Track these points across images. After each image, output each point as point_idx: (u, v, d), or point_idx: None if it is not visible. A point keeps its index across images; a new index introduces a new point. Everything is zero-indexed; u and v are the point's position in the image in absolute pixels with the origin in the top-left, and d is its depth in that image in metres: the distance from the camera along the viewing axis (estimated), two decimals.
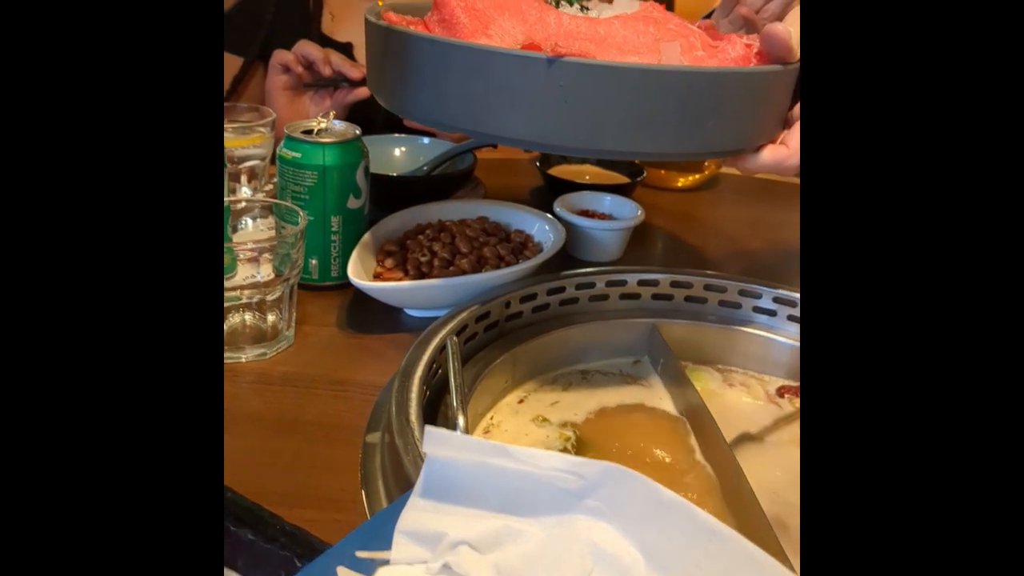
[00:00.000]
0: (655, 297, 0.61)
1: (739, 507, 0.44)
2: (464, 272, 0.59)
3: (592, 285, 0.60)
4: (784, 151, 0.51)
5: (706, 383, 0.57)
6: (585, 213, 0.72)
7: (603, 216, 0.72)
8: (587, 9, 0.51)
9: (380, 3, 0.56)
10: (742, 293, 0.60)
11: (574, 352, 0.59)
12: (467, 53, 0.45)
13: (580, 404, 0.54)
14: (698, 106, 0.45)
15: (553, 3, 0.51)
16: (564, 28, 0.47)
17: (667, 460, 0.49)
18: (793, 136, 0.51)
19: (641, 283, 0.61)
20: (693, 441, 0.51)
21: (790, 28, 0.48)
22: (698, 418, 0.51)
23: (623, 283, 0.60)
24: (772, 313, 0.59)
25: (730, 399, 0.56)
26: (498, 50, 0.44)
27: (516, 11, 0.48)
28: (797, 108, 0.52)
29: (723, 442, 0.47)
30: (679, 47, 0.48)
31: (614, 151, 0.43)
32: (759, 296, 0.59)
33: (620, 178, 0.82)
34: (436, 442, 0.26)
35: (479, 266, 0.61)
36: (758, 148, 0.51)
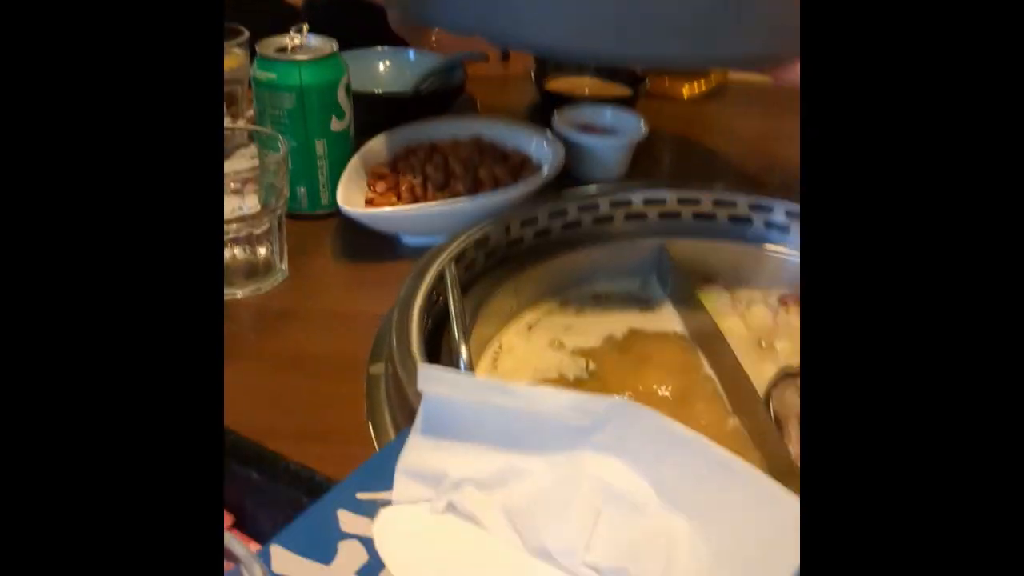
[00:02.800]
0: (662, 216, 0.58)
1: (754, 427, 0.43)
2: (459, 195, 0.57)
3: (596, 206, 0.57)
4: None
5: (714, 304, 0.56)
6: (585, 128, 0.68)
7: (604, 131, 0.69)
8: None
9: None
10: (753, 208, 0.57)
11: (579, 277, 0.57)
12: None
13: (592, 329, 0.52)
14: (738, 4, 0.41)
15: None
16: None
17: (678, 383, 0.47)
18: None
19: (647, 202, 0.58)
20: (706, 366, 0.49)
21: None
22: (710, 342, 0.49)
23: (628, 203, 0.58)
24: (785, 228, 0.57)
25: (736, 322, 0.54)
26: None
27: None
28: None
29: (738, 365, 0.46)
30: None
31: (642, 57, 0.40)
32: (771, 210, 0.57)
33: (622, 89, 0.78)
34: (432, 381, 0.25)
35: (475, 189, 0.58)
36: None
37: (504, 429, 0.25)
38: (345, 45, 0.59)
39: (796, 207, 0.56)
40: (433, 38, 0.87)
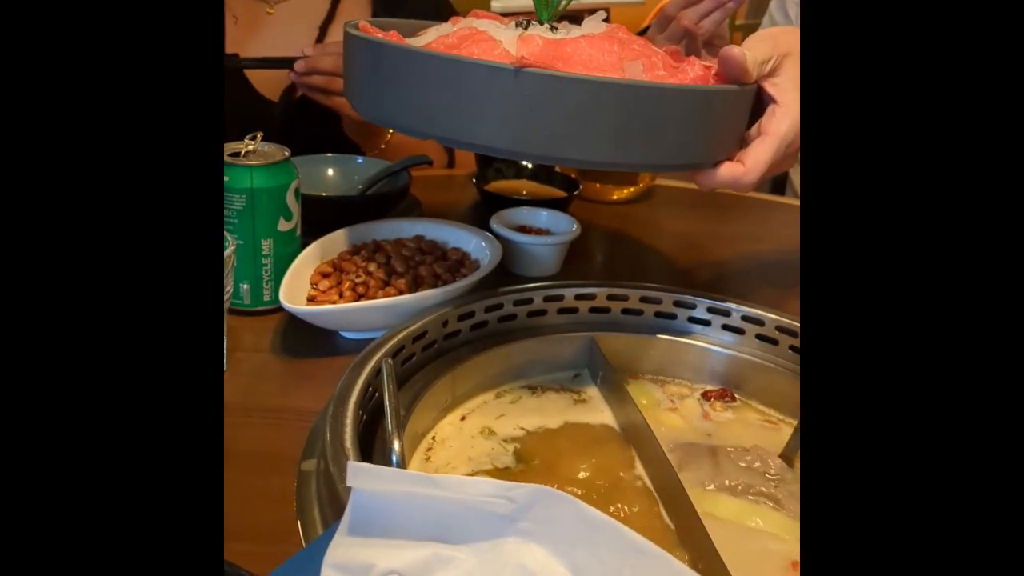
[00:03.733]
0: (592, 310, 0.61)
1: (680, 520, 0.44)
2: (400, 292, 0.59)
3: (530, 301, 0.60)
4: (740, 168, 0.53)
5: (648, 396, 0.58)
6: (522, 229, 0.72)
7: (540, 231, 0.73)
8: (556, 29, 0.53)
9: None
10: (677, 304, 0.61)
11: (514, 368, 0.59)
12: (440, 62, 0.47)
13: (525, 418, 0.54)
14: (657, 119, 0.47)
15: (524, 24, 0.54)
16: (532, 51, 0.49)
17: (608, 475, 0.49)
18: (749, 154, 0.53)
19: (578, 297, 0.61)
20: (634, 456, 0.51)
21: (746, 51, 0.51)
22: (637, 433, 0.51)
23: (560, 298, 0.61)
24: (707, 323, 0.60)
25: (667, 415, 0.56)
26: (468, 60, 0.47)
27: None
28: (754, 128, 0.54)
29: (663, 456, 0.48)
30: (641, 66, 0.50)
31: (575, 160, 0.44)
32: (693, 307, 0.60)
33: (556, 192, 0.83)
34: (360, 476, 0.26)
35: (416, 286, 0.61)
36: (715, 164, 0.53)
37: (431, 520, 0.26)
38: (304, 149, 0.62)
39: (717, 303, 0.60)
40: (383, 144, 0.92)
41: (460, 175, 0.93)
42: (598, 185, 0.88)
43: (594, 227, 0.83)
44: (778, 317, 0.58)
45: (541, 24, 0.54)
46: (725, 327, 0.60)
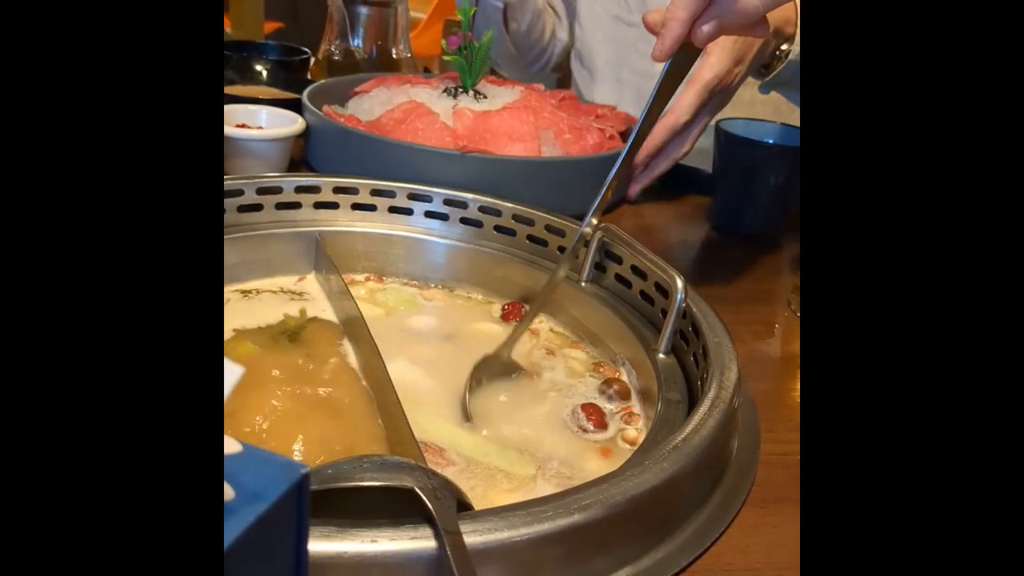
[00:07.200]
0: (318, 206, 0.54)
1: (387, 415, 0.39)
2: None
3: (239, 192, 0.51)
4: (671, 116, 0.64)
5: (405, 300, 0.52)
6: (241, 128, 0.63)
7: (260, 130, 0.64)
8: (479, 96, 0.67)
9: None
10: (412, 197, 0.55)
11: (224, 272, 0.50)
12: (405, 149, 0.60)
13: (230, 320, 0.46)
14: (567, 180, 0.62)
15: (452, 91, 0.67)
16: (465, 125, 0.63)
17: (312, 365, 0.42)
18: (676, 102, 0.63)
19: (299, 190, 0.53)
20: (347, 347, 0.45)
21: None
22: (354, 328, 0.45)
23: (278, 190, 0.53)
24: (444, 217, 0.56)
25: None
26: (426, 148, 0.60)
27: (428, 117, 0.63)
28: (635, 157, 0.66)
29: (375, 351, 0.42)
30: (552, 133, 0.64)
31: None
32: (429, 200, 0.55)
33: (289, 95, 0.74)
34: None
35: None
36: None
37: None
38: None
39: (454, 195, 0.55)
40: None
41: None
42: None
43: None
44: (515, 206, 0.54)
45: (467, 91, 0.66)
46: (464, 220, 0.55)
